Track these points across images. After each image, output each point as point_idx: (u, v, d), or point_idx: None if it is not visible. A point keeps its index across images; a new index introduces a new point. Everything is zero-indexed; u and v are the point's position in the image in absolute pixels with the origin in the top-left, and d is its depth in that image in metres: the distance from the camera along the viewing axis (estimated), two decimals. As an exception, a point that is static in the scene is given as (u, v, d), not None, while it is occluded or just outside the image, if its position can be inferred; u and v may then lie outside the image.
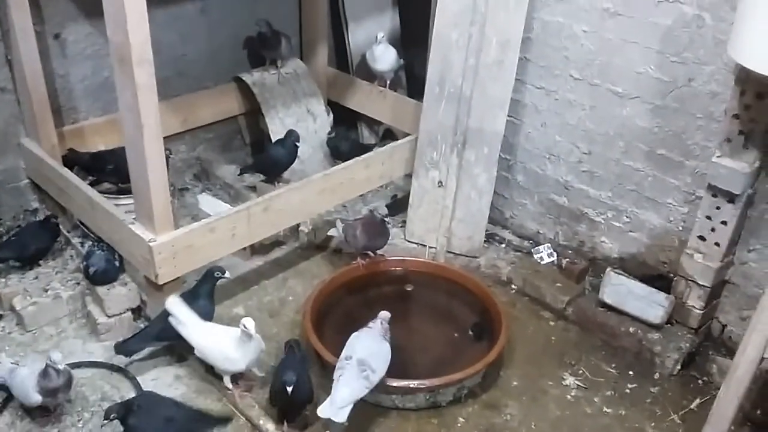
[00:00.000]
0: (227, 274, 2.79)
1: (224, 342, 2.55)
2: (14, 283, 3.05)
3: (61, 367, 2.42)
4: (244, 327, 2.46)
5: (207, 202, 3.54)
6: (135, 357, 2.81)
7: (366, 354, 2.44)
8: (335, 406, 2.32)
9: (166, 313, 2.72)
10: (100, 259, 2.89)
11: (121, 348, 2.73)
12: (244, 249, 3.29)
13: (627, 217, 3.16)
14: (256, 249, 3.45)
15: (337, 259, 3.49)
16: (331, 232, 3.52)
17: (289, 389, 2.33)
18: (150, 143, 2.54)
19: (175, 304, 2.61)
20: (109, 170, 3.36)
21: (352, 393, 2.35)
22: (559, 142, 3.32)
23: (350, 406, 2.34)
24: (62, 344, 2.89)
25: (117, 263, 2.95)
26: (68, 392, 2.51)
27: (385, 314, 2.59)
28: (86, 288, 3.04)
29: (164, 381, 2.75)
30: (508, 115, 3.29)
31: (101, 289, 2.92)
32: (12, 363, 2.64)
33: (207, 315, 2.70)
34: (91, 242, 3.10)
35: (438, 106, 3.31)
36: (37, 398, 2.42)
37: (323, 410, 2.33)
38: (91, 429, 2.53)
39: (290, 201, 3.08)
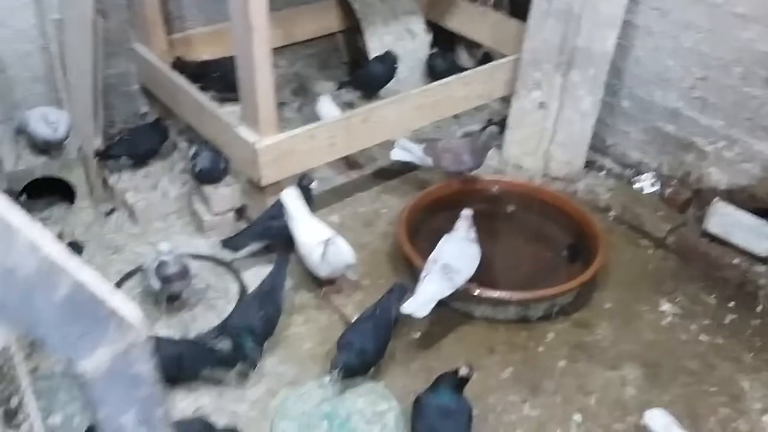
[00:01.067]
0: (314, 184, 2.89)
1: (313, 248, 2.65)
2: (126, 180, 3.23)
3: (169, 257, 2.56)
4: (327, 243, 2.57)
5: (326, 105, 3.50)
6: (237, 255, 2.94)
7: (451, 258, 2.50)
8: (417, 302, 2.39)
9: (269, 214, 2.83)
10: (207, 158, 3.01)
11: (229, 243, 2.87)
12: (342, 161, 3.34)
13: (740, 147, 3.01)
14: (351, 164, 3.49)
15: (429, 176, 3.50)
16: (394, 154, 3.26)
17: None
18: (258, 46, 2.59)
19: (290, 196, 2.71)
20: (214, 78, 3.46)
21: (436, 291, 2.43)
22: (670, 67, 3.17)
23: (432, 304, 2.41)
24: (170, 238, 3.04)
25: (222, 164, 3.06)
26: (186, 281, 2.64)
27: (467, 212, 2.62)
28: (193, 188, 3.18)
29: (263, 276, 2.86)
30: (617, 38, 3.16)
31: (207, 188, 3.05)
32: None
33: None
34: (198, 144, 3.22)
35: (544, 22, 3.21)
36: (157, 284, 2.59)
37: (407, 307, 2.41)
38: (195, 314, 2.69)
39: (388, 114, 3.10)
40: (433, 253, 2.55)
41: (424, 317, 2.46)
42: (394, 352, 2.53)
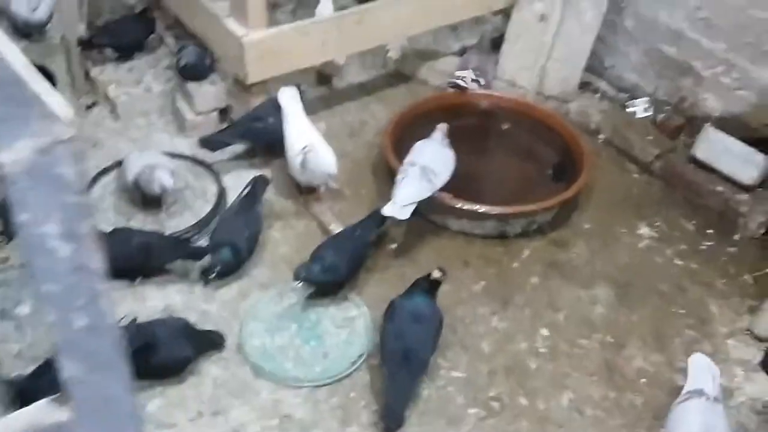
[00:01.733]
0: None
1: (296, 153, 2.61)
2: (109, 73, 3.16)
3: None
4: (305, 150, 2.54)
5: (327, 9, 3.37)
6: (220, 157, 2.90)
7: (428, 160, 2.49)
8: (398, 205, 2.38)
9: (253, 115, 2.77)
10: (193, 53, 2.93)
11: (206, 142, 2.83)
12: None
13: (738, 72, 2.93)
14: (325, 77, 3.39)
15: (422, 89, 3.43)
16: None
17: None
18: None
19: (287, 95, 2.69)
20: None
21: (415, 192, 2.41)
22: (678, -15, 3.05)
23: (413, 206, 2.40)
24: (152, 136, 3.01)
25: (208, 60, 2.98)
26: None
27: (442, 126, 2.64)
28: (177, 85, 3.11)
29: (245, 181, 2.82)
30: (626, -51, 3.03)
31: (191, 85, 2.98)
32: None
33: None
34: (184, 39, 3.13)
35: (550, -70, 3.06)
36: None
37: (387, 209, 2.40)
38: (172, 213, 2.68)
39: (383, 17, 2.98)
40: (408, 156, 2.53)
41: (402, 223, 2.45)
42: (369, 262, 2.54)
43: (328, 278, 2.32)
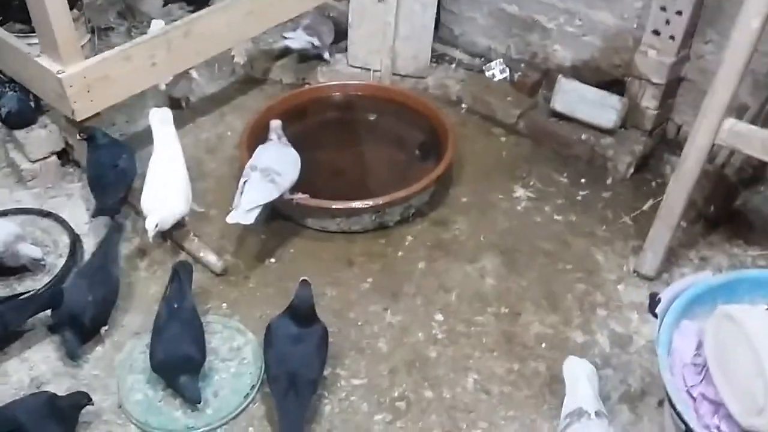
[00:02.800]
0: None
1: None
2: (-73, 136, 2.84)
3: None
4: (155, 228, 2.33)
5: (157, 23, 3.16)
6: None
7: (270, 161, 2.39)
8: (241, 210, 2.28)
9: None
10: (12, 99, 2.68)
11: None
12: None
13: (579, 20, 2.95)
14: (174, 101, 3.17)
15: (277, 91, 3.28)
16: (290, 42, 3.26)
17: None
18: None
19: (157, 117, 2.54)
20: (15, 6, 3.04)
21: (259, 195, 2.31)
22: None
23: (258, 210, 2.30)
24: (-12, 194, 2.73)
25: (32, 103, 2.73)
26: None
27: (274, 122, 2.54)
28: (6, 135, 2.83)
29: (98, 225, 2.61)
30: None
31: (19, 133, 2.72)
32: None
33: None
34: (2, 85, 2.84)
35: None
36: None
37: (231, 217, 2.29)
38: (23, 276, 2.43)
39: (214, 25, 2.81)
40: (249, 161, 2.43)
41: (253, 227, 2.38)
42: (248, 282, 2.39)
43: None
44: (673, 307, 1.85)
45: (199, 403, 1.99)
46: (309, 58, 3.34)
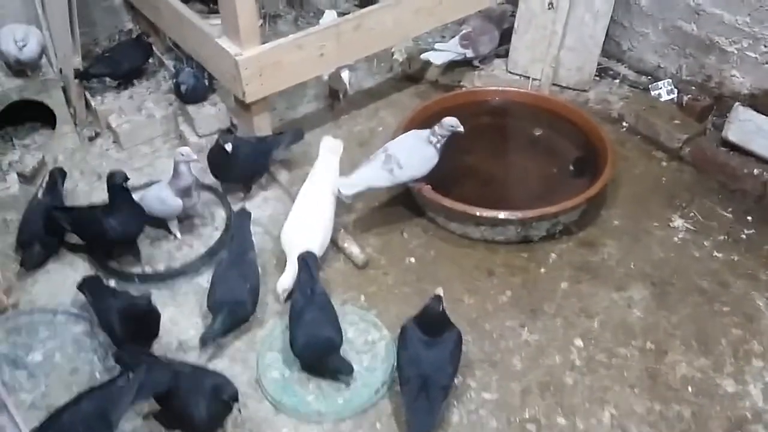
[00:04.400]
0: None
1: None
2: (110, 102, 3.08)
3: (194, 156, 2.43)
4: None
5: (329, 14, 3.24)
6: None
7: (398, 150, 2.41)
8: (348, 181, 2.36)
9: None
10: (189, 75, 2.85)
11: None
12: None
13: (765, 46, 2.74)
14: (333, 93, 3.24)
15: (432, 91, 3.29)
16: (433, 58, 3.20)
17: None
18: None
19: (327, 146, 2.59)
20: (199, -12, 3.24)
21: (370, 177, 2.36)
22: (693, -42, 2.87)
23: (361, 188, 2.37)
24: (156, 163, 2.92)
25: (206, 81, 2.89)
26: (199, 192, 2.54)
27: (448, 120, 2.45)
28: (178, 109, 3.02)
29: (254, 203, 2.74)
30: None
31: (192, 108, 2.90)
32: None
33: None
34: (180, 62, 3.04)
35: None
36: (178, 203, 2.45)
37: (339, 183, 2.40)
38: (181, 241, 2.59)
39: (383, 20, 2.85)
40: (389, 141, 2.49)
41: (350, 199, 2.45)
42: (387, 278, 2.42)
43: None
44: None
45: (353, 372, 2.05)
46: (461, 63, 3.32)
